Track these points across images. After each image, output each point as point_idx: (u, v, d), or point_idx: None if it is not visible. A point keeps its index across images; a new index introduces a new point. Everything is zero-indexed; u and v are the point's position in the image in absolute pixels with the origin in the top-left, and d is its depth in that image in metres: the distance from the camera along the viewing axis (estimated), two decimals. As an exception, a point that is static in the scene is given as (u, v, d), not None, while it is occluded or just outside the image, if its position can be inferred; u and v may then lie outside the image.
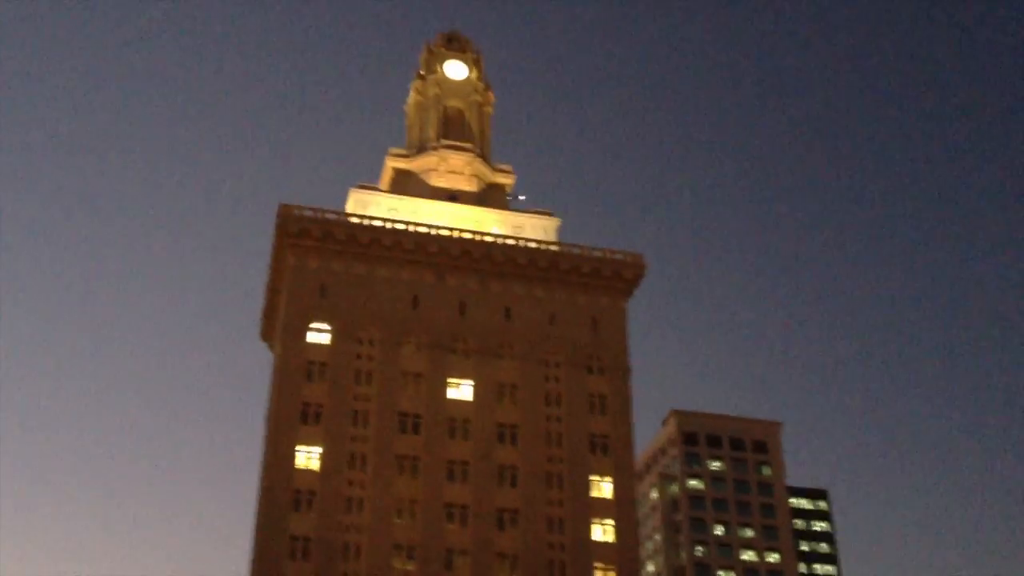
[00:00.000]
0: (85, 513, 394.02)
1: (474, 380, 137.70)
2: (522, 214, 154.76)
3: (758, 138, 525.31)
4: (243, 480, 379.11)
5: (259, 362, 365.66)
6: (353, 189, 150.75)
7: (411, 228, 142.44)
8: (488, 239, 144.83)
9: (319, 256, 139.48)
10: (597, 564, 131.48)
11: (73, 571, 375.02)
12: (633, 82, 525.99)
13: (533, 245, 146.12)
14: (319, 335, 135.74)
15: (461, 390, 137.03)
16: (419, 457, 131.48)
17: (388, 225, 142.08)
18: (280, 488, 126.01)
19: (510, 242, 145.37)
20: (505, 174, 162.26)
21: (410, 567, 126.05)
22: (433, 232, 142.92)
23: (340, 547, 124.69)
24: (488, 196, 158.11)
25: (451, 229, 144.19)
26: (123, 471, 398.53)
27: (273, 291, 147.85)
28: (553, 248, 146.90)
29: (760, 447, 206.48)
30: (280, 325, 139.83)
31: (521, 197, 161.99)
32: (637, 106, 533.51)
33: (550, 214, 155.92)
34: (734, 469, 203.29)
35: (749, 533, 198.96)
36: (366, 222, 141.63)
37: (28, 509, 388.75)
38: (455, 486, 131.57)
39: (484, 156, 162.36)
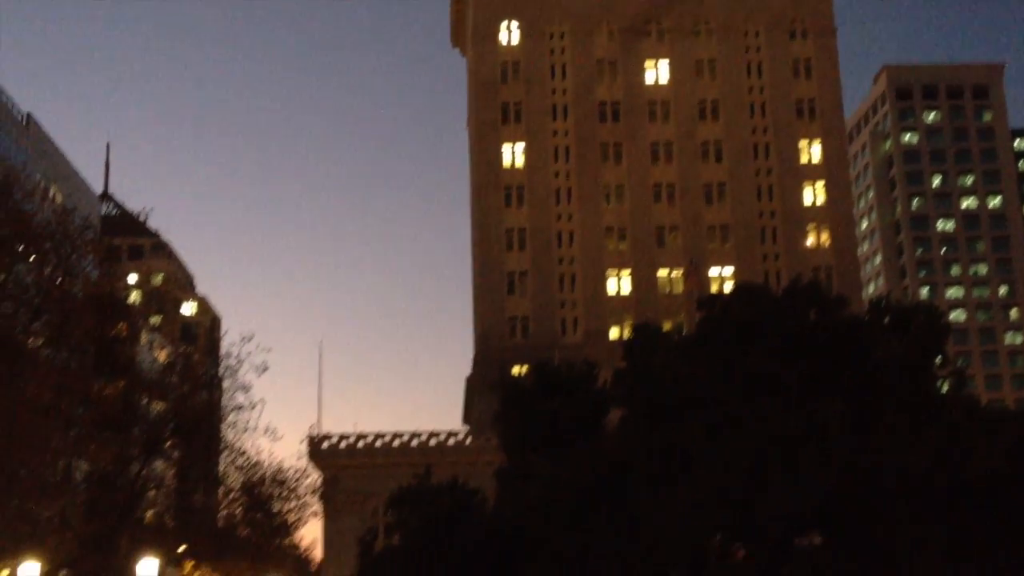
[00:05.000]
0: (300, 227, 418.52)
1: (670, 61, 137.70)
2: None
3: None
4: (454, 179, 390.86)
5: (454, 69, 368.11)
6: None
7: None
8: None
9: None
10: (810, 227, 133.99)
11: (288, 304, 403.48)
12: None
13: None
14: (509, 34, 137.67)
15: (658, 72, 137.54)
16: (621, 143, 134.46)
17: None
18: (490, 186, 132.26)
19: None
20: None
21: (623, 247, 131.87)
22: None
23: (554, 235, 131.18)
24: None
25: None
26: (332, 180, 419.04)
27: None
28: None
29: (980, 92, 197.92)
30: (469, 29, 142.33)
31: None
32: None
33: None
34: (952, 118, 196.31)
35: (969, 180, 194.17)
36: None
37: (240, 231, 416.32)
38: (660, 167, 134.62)
39: None
